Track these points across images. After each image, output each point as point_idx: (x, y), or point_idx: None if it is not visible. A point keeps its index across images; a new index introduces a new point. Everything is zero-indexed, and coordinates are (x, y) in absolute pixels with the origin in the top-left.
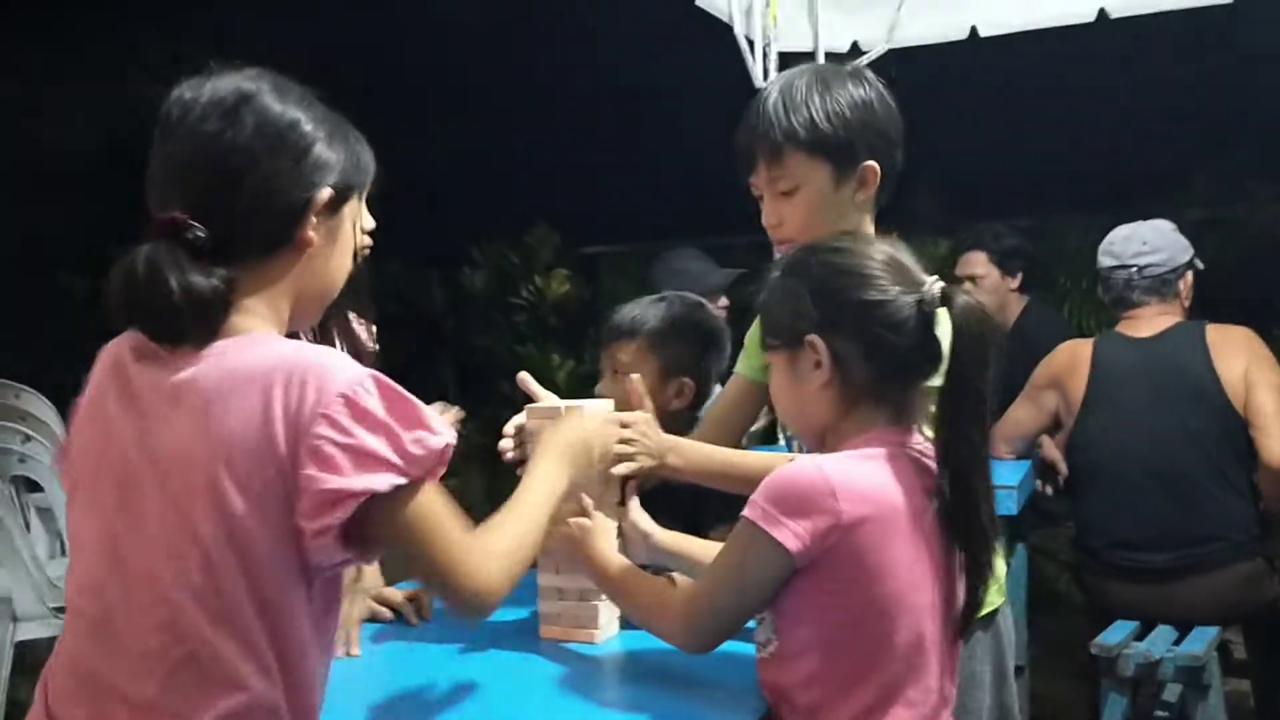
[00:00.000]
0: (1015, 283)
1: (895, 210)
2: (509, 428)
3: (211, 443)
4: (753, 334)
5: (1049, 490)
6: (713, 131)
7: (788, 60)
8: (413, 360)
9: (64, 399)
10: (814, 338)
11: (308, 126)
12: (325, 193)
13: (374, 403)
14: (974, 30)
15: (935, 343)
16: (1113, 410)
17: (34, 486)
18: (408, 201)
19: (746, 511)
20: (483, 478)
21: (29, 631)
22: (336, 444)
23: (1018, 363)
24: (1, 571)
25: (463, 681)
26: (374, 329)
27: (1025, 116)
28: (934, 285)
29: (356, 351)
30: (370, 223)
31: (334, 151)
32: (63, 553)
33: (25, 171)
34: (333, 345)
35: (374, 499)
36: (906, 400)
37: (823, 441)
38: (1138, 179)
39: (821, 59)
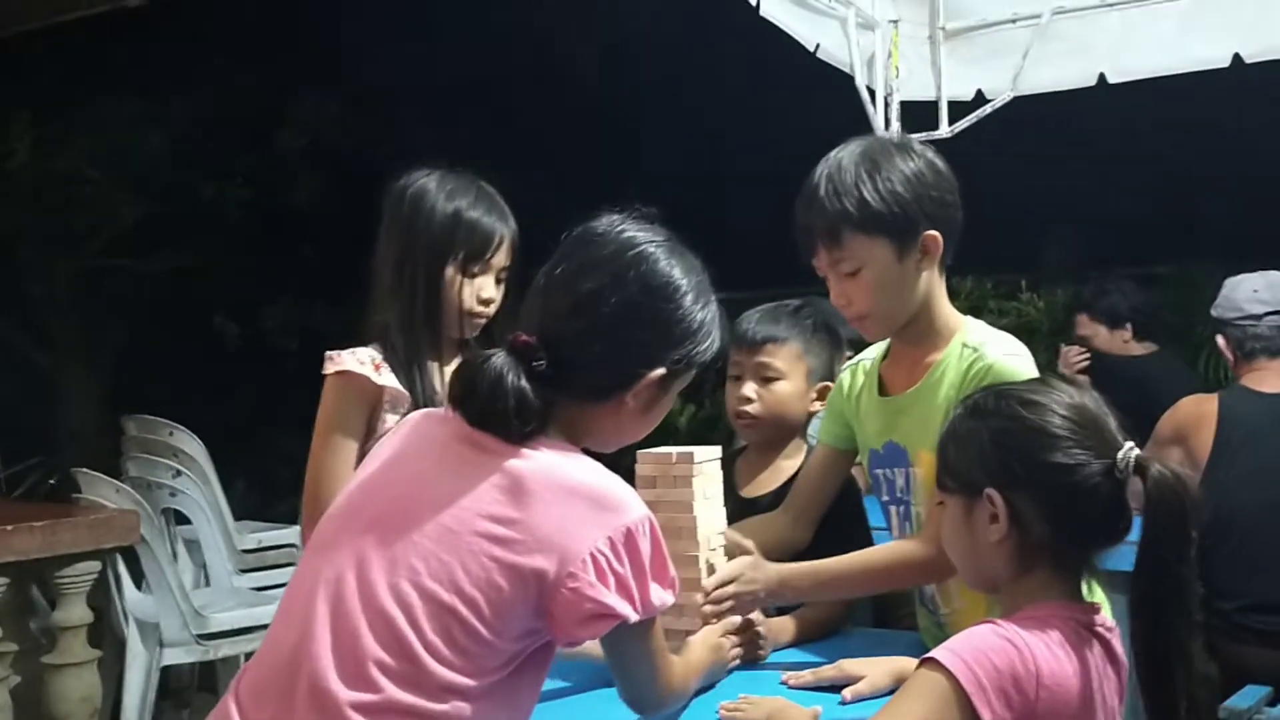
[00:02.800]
0: (1127, 334)
1: (1027, 259)
2: None
3: (512, 520)
4: (836, 400)
5: None
6: None
7: (910, 109)
8: None
9: (212, 437)
10: (993, 493)
11: (682, 303)
12: (658, 373)
13: (645, 547)
14: (1102, 77)
15: (1126, 511)
16: (1242, 467)
17: (182, 519)
18: (528, 246)
19: (946, 661)
20: None
21: (173, 657)
22: (610, 566)
23: (1140, 413)
24: (150, 599)
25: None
26: None
27: (1161, 163)
28: (1129, 453)
29: None
30: (492, 293)
31: (695, 330)
32: (207, 583)
33: (184, 221)
34: None
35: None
36: (1089, 566)
37: (994, 591)
38: (1274, 227)
39: (944, 108)
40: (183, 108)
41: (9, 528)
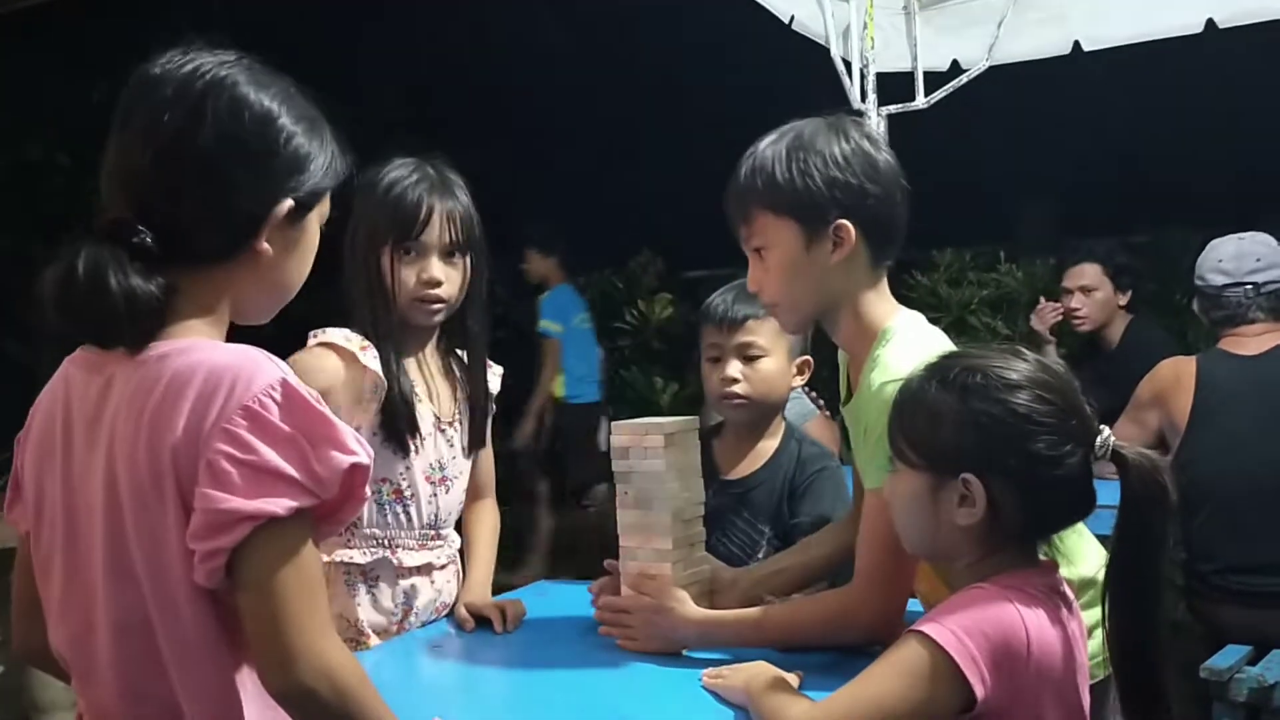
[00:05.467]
0: (1125, 299)
1: (1005, 230)
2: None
3: (133, 452)
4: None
5: None
6: None
7: (886, 81)
8: (519, 384)
9: None
10: (971, 478)
11: (280, 127)
12: (285, 206)
13: (277, 415)
14: (1077, 45)
15: (1092, 490)
16: (1220, 430)
17: None
18: (514, 230)
19: (931, 632)
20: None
21: None
22: (235, 460)
23: (1123, 380)
24: None
25: (545, 691)
26: (500, 372)
27: (1134, 131)
28: (1108, 439)
29: (485, 393)
30: (435, 273)
31: (304, 156)
32: None
33: None
34: (483, 387)
35: (266, 526)
36: (1039, 548)
37: (948, 563)
38: (1253, 192)
39: (920, 79)
40: None
41: None
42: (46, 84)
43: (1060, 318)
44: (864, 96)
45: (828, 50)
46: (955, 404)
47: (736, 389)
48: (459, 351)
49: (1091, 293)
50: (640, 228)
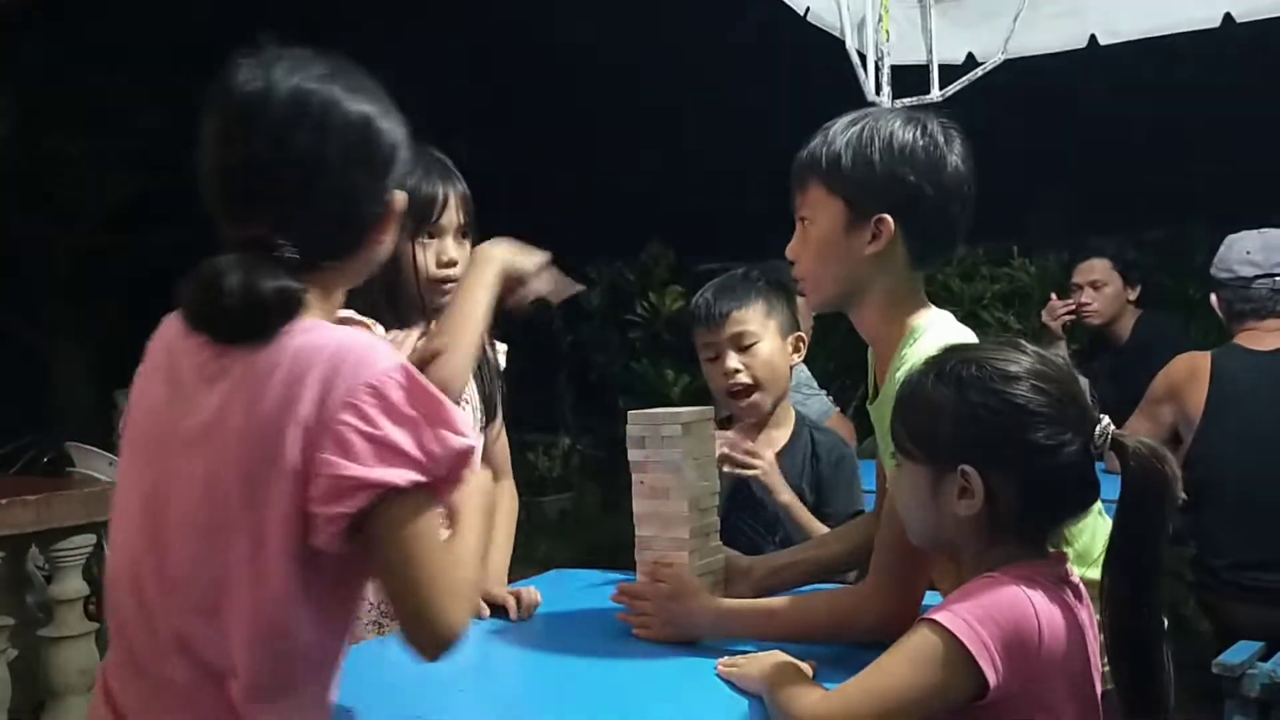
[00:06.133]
0: (1134, 294)
1: (1017, 224)
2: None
3: (253, 422)
4: None
5: None
6: None
7: (900, 74)
8: (531, 376)
9: None
10: (969, 470)
11: (379, 128)
12: (399, 200)
13: (400, 396)
14: (1093, 38)
15: (1095, 482)
16: (1234, 426)
17: None
18: (527, 221)
19: (943, 619)
20: (598, 491)
21: None
22: (360, 432)
23: (1133, 374)
24: None
25: (559, 679)
26: (505, 349)
27: (1149, 125)
28: (1107, 428)
29: (491, 370)
30: (453, 254)
31: (398, 145)
32: None
33: (178, 197)
34: (492, 364)
35: (387, 495)
36: (1055, 533)
37: (952, 555)
38: (1269, 187)
39: (935, 72)
40: (174, 81)
41: (3, 502)
42: (59, 75)
43: (1071, 315)
44: (879, 89)
45: (842, 43)
46: (952, 397)
47: (740, 379)
48: None
49: (1101, 288)
50: (651, 219)
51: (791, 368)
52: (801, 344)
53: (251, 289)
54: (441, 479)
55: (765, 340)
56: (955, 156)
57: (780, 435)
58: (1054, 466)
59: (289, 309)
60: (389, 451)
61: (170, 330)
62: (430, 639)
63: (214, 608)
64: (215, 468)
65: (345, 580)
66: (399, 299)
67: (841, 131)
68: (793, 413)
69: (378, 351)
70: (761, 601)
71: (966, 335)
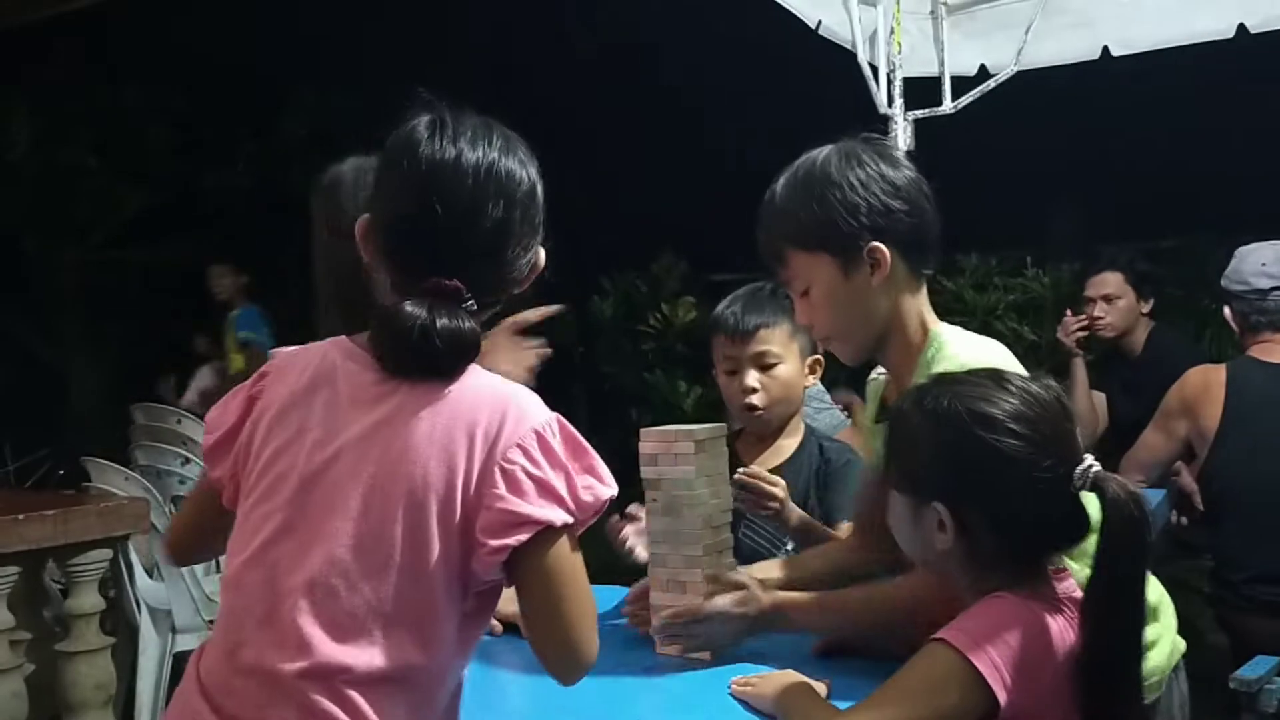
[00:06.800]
0: (1148, 307)
1: (1032, 235)
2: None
3: (422, 452)
4: (862, 417)
5: (1183, 521)
6: None
7: (913, 86)
8: (544, 387)
9: None
10: (940, 507)
11: (541, 193)
12: (543, 253)
13: (558, 444)
14: (1106, 50)
15: (1084, 515)
16: (1250, 439)
17: None
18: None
19: (953, 639)
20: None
21: (186, 643)
22: (527, 472)
23: (1147, 387)
24: (162, 586)
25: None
26: None
27: (1162, 136)
28: (1089, 469)
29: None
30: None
31: (541, 196)
32: (218, 569)
33: (187, 210)
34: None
35: (544, 532)
36: (1044, 564)
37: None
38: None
39: (948, 84)
40: (183, 97)
41: (20, 517)
42: (76, 89)
43: (1085, 331)
44: (891, 101)
45: (854, 55)
46: (930, 431)
47: (756, 399)
48: None
49: (1114, 301)
50: (664, 230)
51: (805, 389)
52: (818, 366)
53: (457, 334)
54: (583, 521)
55: (787, 363)
56: (901, 168)
57: (789, 445)
58: (1030, 508)
59: (476, 352)
60: (549, 493)
61: (330, 355)
62: (575, 664)
63: (365, 615)
64: (381, 482)
65: (483, 609)
66: (353, 316)
67: (787, 195)
68: (803, 425)
69: (536, 402)
70: (824, 594)
71: (987, 343)
